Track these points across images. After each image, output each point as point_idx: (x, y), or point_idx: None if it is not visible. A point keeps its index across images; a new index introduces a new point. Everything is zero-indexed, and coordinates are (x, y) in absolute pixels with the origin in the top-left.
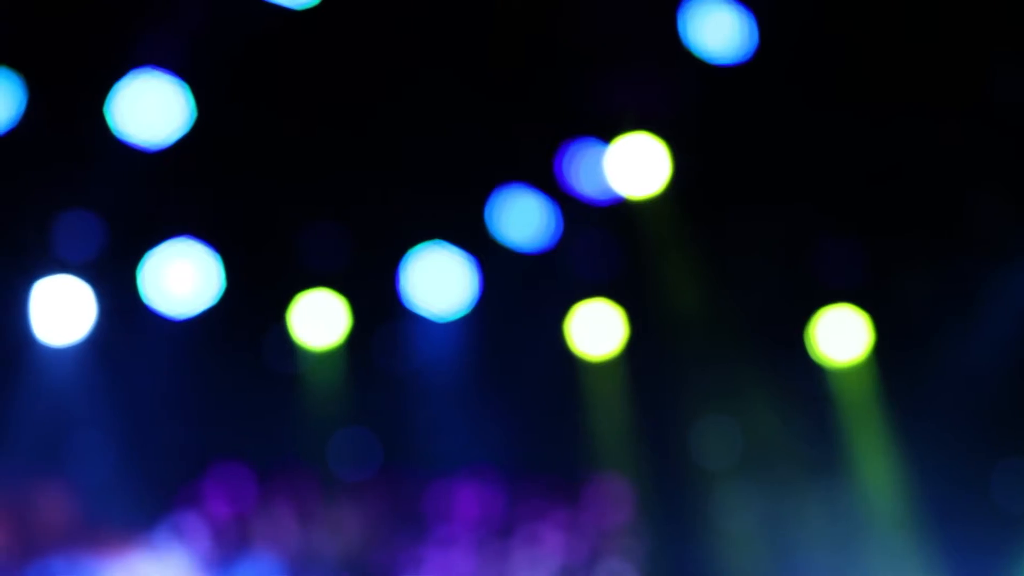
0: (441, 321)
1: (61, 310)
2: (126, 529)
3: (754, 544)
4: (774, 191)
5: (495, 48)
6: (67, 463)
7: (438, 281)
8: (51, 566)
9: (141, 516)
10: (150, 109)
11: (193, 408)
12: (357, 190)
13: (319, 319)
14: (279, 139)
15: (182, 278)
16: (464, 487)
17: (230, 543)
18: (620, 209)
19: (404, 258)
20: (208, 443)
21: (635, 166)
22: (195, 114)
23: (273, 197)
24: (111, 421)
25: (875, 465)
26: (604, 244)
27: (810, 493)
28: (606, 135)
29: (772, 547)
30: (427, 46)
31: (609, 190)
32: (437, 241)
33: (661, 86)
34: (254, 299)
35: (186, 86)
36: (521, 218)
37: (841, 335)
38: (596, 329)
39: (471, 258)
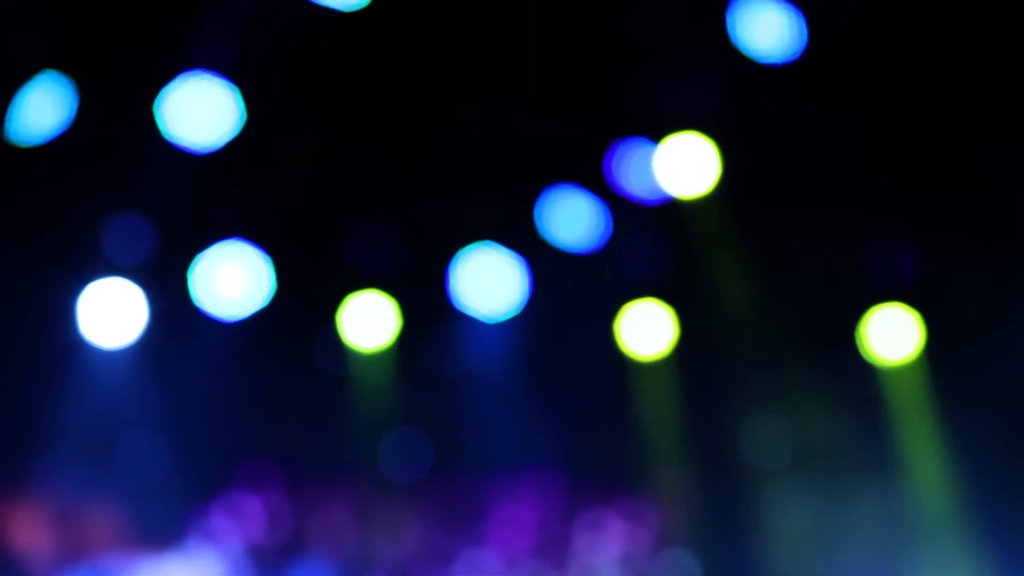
0: (491, 322)
1: (112, 313)
2: (176, 530)
3: (805, 544)
4: (824, 190)
5: (544, 48)
6: (118, 465)
7: (488, 282)
8: (100, 566)
9: (191, 517)
10: (200, 112)
11: (244, 410)
12: (407, 191)
13: (369, 320)
14: (328, 141)
15: (232, 280)
16: (515, 487)
17: (282, 544)
18: (670, 209)
19: (454, 259)
20: (259, 445)
21: (684, 166)
22: (245, 116)
23: (323, 199)
24: (162, 423)
25: (926, 465)
26: (654, 244)
27: (861, 493)
28: (655, 135)
29: (822, 547)
30: (476, 46)
31: (659, 190)
32: (487, 242)
33: (710, 85)
34: (304, 301)
35: (235, 88)
36: (571, 218)
37: (892, 334)
38: (646, 329)
39: (521, 259)
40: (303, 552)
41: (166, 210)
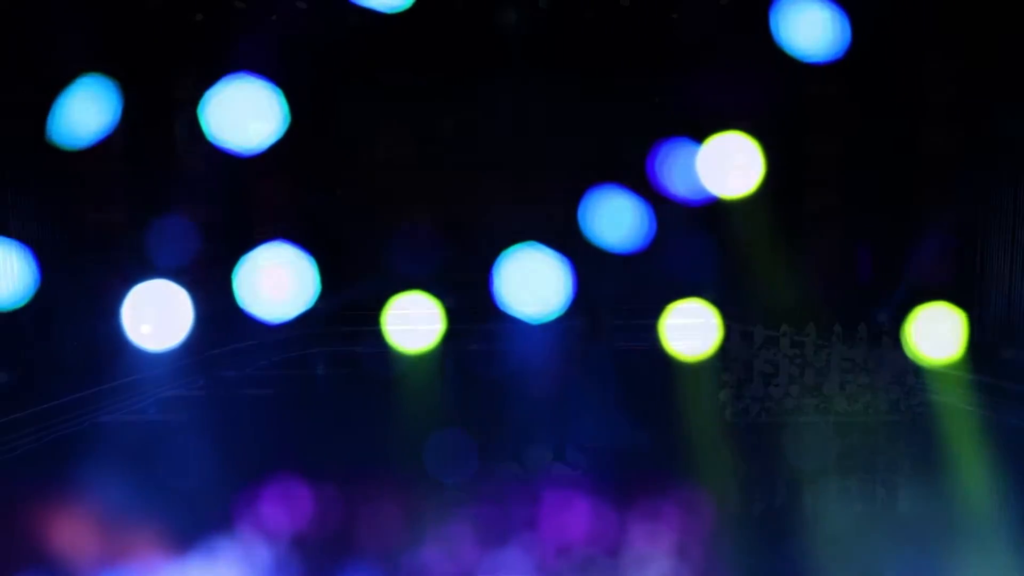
0: (536, 322)
1: (158, 315)
2: (219, 532)
3: (850, 543)
4: (869, 189)
5: (589, 52)
6: (162, 468)
7: (533, 282)
8: (142, 569)
9: (235, 518)
10: (244, 114)
11: (289, 411)
12: (452, 193)
13: (417, 321)
14: (371, 143)
15: (277, 282)
16: (561, 484)
17: (326, 543)
18: (714, 209)
19: (499, 260)
20: (304, 445)
21: (728, 166)
22: (289, 119)
23: (367, 201)
24: (207, 426)
25: (971, 465)
26: (698, 244)
27: (905, 493)
28: (699, 135)
29: (868, 546)
30: (521, 50)
31: (702, 190)
32: (532, 242)
33: (753, 86)
34: (348, 302)
35: (279, 91)
36: (615, 219)
37: (938, 333)
38: (692, 328)
39: (565, 259)
40: (348, 551)
41: (211, 213)
